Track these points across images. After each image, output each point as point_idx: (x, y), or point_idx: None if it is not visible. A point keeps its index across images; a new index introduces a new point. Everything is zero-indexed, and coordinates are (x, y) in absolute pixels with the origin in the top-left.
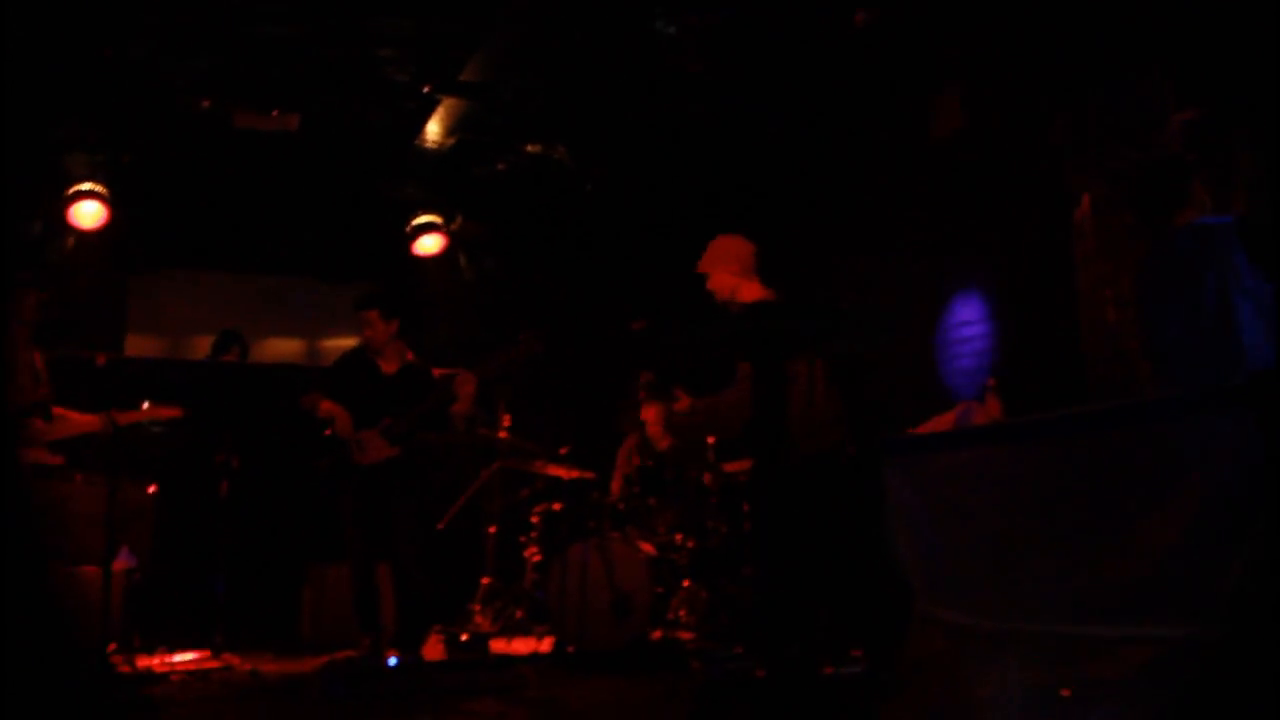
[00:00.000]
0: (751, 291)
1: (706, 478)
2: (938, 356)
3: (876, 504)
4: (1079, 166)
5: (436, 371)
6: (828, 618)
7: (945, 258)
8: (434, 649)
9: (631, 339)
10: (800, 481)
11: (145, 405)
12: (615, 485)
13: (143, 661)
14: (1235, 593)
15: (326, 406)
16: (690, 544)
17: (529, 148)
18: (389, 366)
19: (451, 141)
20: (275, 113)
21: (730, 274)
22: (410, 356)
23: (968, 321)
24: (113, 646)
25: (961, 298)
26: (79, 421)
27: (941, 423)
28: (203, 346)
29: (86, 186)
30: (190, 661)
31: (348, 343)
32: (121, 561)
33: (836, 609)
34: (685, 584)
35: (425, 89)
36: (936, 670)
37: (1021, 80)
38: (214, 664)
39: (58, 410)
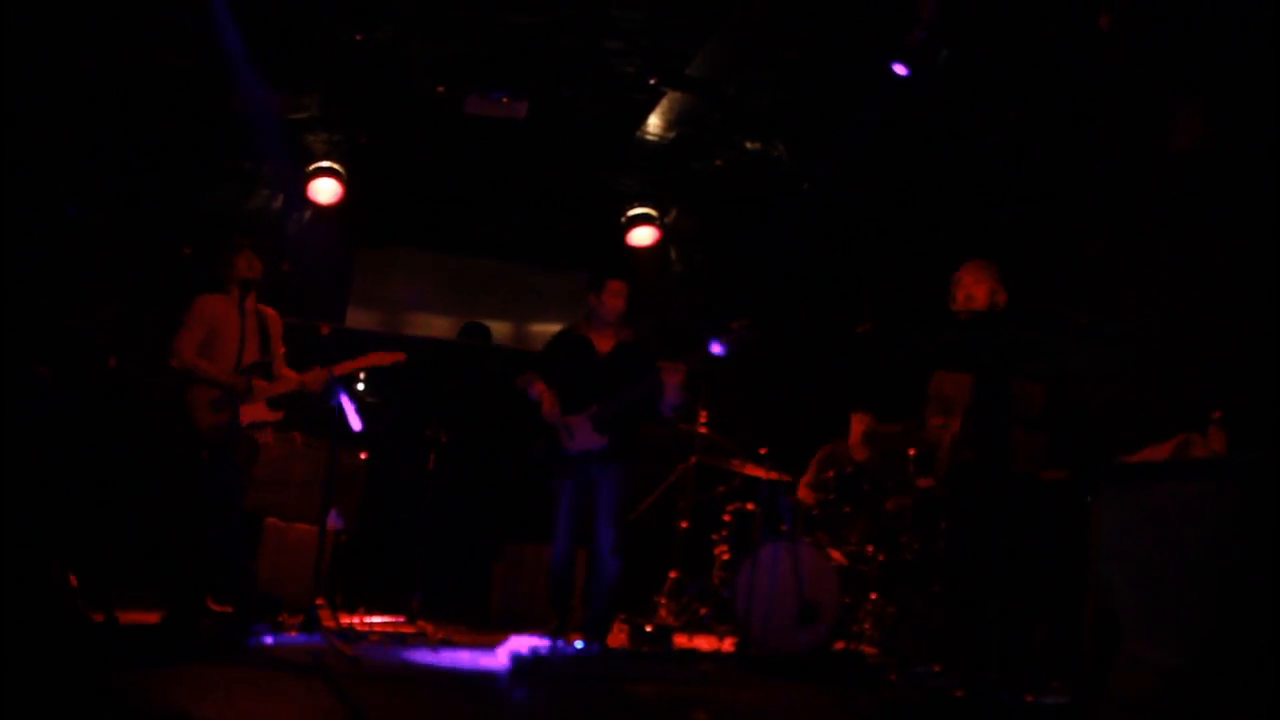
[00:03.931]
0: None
1: (905, 500)
2: None
3: (1083, 530)
4: None
5: None
6: (1031, 643)
7: (1179, 280)
8: (618, 637)
9: (854, 342)
10: (1007, 502)
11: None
12: (803, 492)
13: (344, 619)
14: None
15: (539, 389)
16: (881, 557)
17: (748, 144)
18: (604, 345)
19: (672, 135)
20: (505, 100)
21: (988, 287)
22: (628, 335)
23: None
24: (320, 601)
25: None
26: (295, 378)
27: (1158, 453)
28: (417, 323)
29: (325, 164)
30: (387, 624)
31: (554, 328)
32: (331, 522)
33: (1041, 635)
34: (873, 596)
35: (651, 81)
36: (1143, 712)
37: (1268, 92)
38: (409, 629)
39: (286, 372)
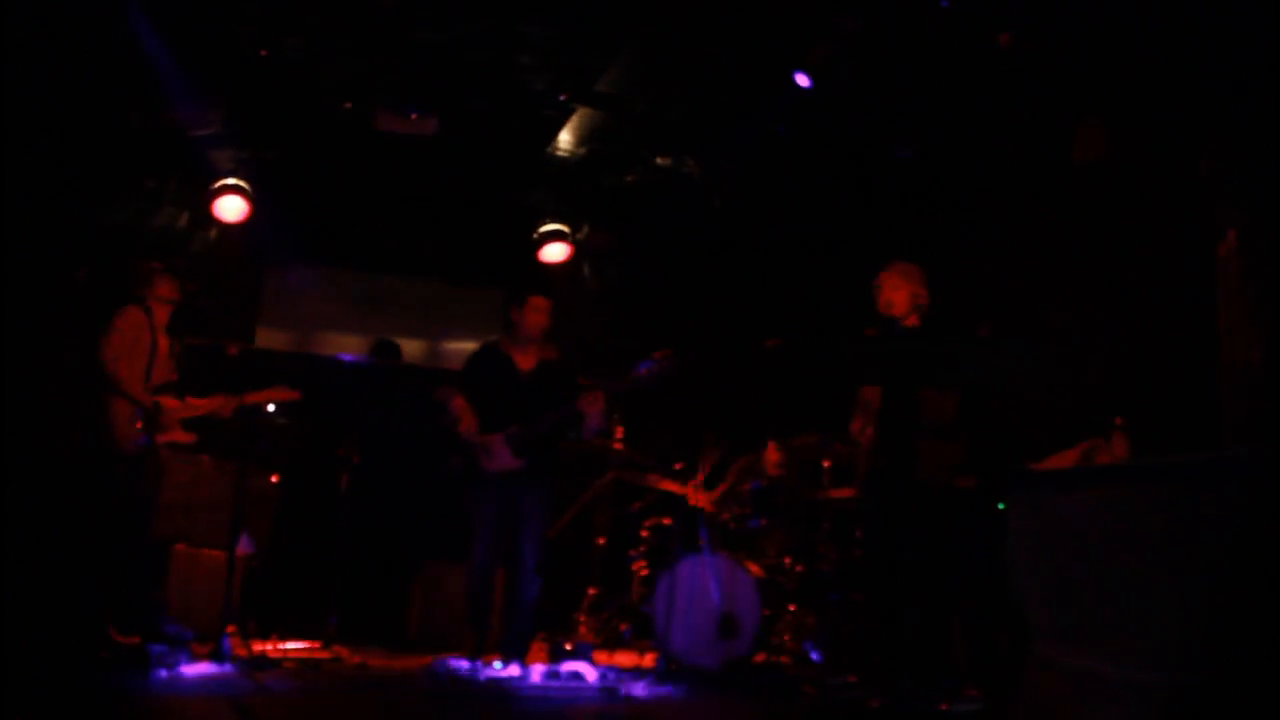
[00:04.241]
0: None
1: (821, 511)
2: None
3: (995, 538)
4: (1228, 199)
5: None
6: (946, 651)
7: (1081, 290)
8: (537, 656)
9: (763, 356)
10: (919, 511)
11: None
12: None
13: (257, 646)
14: None
15: (459, 404)
16: (799, 568)
17: (659, 160)
18: (526, 363)
19: (583, 151)
20: (414, 116)
21: (908, 292)
22: (550, 354)
23: None
24: (231, 629)
25: None
26: (206, 403)
27: (1064, 460)
28: (329, 342)
29: (231, 181)
30: (302, 650)
31: (468, 346)
32: (242, 547)
33: (955, 644)
34: (791, 608)
35: (562, 97)
36: (1056, 716)
37: (1169, 108)
38: (325, 654)
39: (186, 398)
